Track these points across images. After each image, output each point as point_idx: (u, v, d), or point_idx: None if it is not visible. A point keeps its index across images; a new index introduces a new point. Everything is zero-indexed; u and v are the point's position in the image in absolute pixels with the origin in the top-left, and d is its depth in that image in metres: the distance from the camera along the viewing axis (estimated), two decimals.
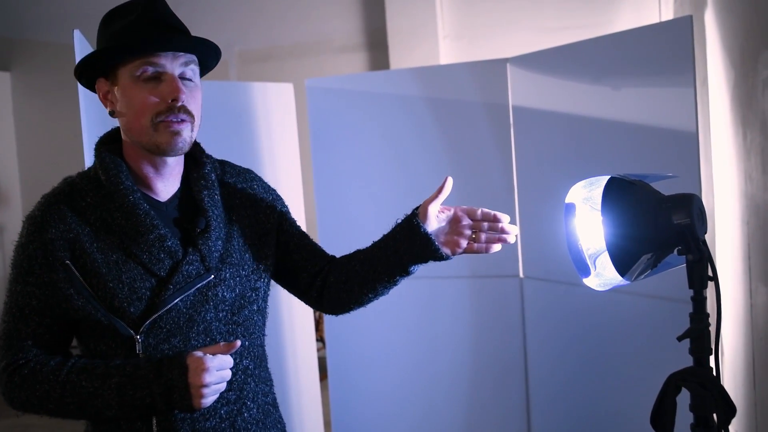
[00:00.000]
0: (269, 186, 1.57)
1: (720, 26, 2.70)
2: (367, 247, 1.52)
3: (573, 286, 2.51)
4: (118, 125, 1.40)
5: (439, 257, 1.38)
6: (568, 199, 1.22)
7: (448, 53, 5.13)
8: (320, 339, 4.46)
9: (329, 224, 2.91)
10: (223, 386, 1.29)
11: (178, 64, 1.31)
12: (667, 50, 2.13)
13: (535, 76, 2.58)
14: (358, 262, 1.50)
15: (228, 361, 1.29)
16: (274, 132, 3.01)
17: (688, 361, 1.16)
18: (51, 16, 5.89)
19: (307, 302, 1.60)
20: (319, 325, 4.52)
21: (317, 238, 2.87)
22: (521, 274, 2.73)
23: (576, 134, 2.47)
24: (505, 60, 2.67)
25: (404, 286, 3.30)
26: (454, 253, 1.41)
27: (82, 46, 1.85)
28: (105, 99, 1.35)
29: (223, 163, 1.52)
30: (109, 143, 1.39)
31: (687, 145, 2.09)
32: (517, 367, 2.76)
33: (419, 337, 2.88)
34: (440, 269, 2.83)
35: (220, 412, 1.36)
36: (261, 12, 5.58)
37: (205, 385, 1.24)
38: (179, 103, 1.28)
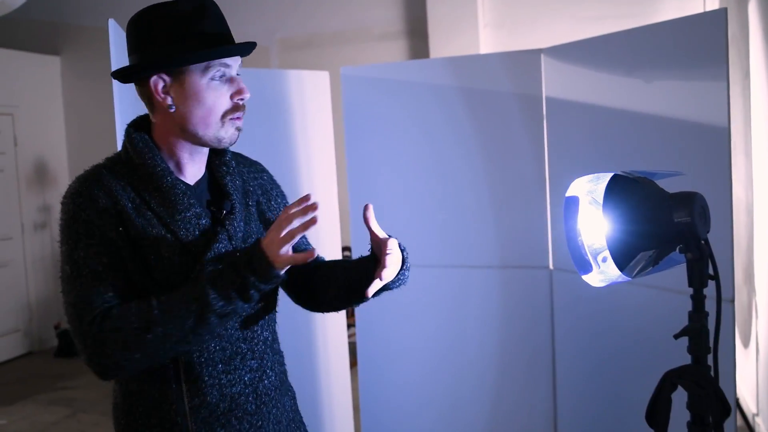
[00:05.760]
0: (275, 180, 1.66)
1: (763, 18, 2.64)
2: (345, 261, 1.61)
3: None
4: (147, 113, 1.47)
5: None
6: (569, 193, 1.22)
7: (488, 42, 5.10)
8: (352, 325, 4.50)
9: (362, 212, 2.93)
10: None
11: (236, 66, 1.44)
12: (701, 43, 2.10)
13: (569, 68, 2.57)
14: (342, 270, 1.58)
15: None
16: (309, 120, 3.03)
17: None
18: (98, 1, 6.02)
19: (287, 293, 1.67)
20: (350, 310, 4.56)
21: (350, 226, 2.90)
22: (551, 266, 2.73)
23: (607, 127, 2.45)
24: (539, 51, 2.65)
25: (435, 275, 3.27)
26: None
27: (117, 35, 1.90)
28: (162, 93, 1.39)
29: (236, 154, 1.61)
30: (137, 130, 1.46)
31: (718, 140, 2.06)
32: (545, 359, 2.76)
33: (448, 326, 2.90)
34: (470, 259, 2.85)
35: (244, 378, 1.47)
36: None
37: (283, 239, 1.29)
38: (243, 102, 1.42)
